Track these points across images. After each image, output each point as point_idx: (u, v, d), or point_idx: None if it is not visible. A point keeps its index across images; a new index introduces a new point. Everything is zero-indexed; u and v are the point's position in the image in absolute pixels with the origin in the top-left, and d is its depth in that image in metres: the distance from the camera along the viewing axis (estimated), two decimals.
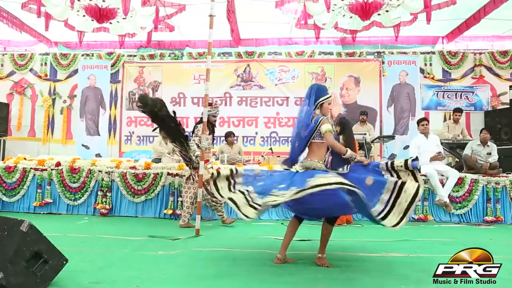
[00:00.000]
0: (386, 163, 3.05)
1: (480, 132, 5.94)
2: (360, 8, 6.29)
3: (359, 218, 5.05)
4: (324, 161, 2.99)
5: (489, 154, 5.70)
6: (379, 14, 6.58)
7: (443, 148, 6.11)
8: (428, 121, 5.69)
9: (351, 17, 6.75)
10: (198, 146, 4.52)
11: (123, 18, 6.90)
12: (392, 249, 3.42)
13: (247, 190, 2.91)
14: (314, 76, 8.60)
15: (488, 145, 5.76)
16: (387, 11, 6.55)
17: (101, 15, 6.62)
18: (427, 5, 6.18)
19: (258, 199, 2.79)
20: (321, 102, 3.04)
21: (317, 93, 3.05)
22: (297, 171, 2.91)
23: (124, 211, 5.45)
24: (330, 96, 3.11)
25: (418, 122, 5.74)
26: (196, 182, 4.55)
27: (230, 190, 2.98)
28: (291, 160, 3.07)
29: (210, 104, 4.72)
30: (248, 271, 2.71)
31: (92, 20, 6.83)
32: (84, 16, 6.81)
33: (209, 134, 4.65)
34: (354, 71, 8.54)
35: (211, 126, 4.76)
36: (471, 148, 5.79)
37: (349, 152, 2.95)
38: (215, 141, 8.18)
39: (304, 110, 3.05)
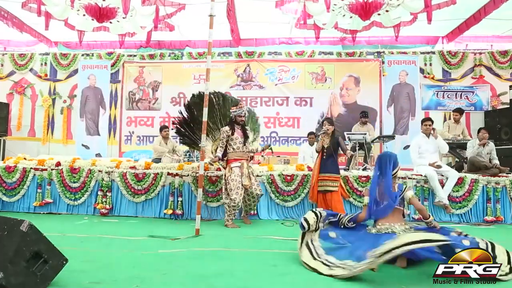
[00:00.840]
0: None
1: (478, 132, 5.86)
2: (360, 8, 6.28)
3: None
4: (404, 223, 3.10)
5: (489, 153, 5.70)
6: (379, 14, 6.58)
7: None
8: (432, 122, 5.56)
9: (351, 17, 6.75)
10: (224, 148, 4.76)
11: (123, 18, 6.91)
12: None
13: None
14: (314, 76, 8.61)
15: (487, 144, 5.75)
16: (387, 11, 6.55)
17: (101, 14, 6.63)
18: (427, 5, 6.18)
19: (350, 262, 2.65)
20: (396, 173, 3.18)
21: (395, 163, 3.17)
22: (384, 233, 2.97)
23: (124, 211, 5.45)
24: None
25: (422, 121, 5.62)
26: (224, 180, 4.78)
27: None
28: (364, 220, 3.19)
29: (235, 105, 4.92)
30: (248, 271, 2.71)
31: (92, 20, 6.84)
32: (84, 15, 6.82)
33: (233, 134, 4.74)
34: (354, 71, 8.55)
35: (241, 127, 4.84)
36: (472, 147, 5.77)
37: (431, 218, 3.11)
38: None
39: (382, 179, 3.15)
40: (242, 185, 4.63)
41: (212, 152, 5.08)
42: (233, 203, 4.54)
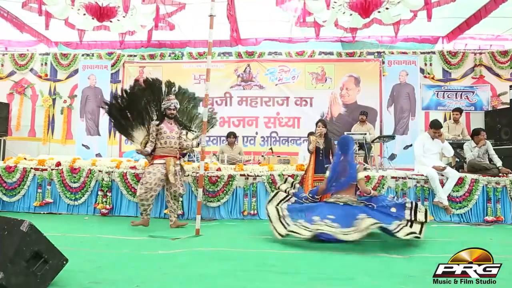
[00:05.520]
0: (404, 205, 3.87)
1: (474, 134, 5.80)
2: (360, 5, 6.26)
3: None
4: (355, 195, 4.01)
5: (486, 153, 5.69)
6: (379, 12, 6.57)
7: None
8: (441, 131, 5.51)
9: (351, 15, 6.74)
10: (154, 143, 4.57)
11: (123, 17, 6.90)
12: (392, 249, 3.42)
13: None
14: (314, 76, 8.60)
15: (483, 144, 5.73)
16: (387, 8, 6.53)
17: (102, 13, 6.61)
18: (427, 2, 6.16)
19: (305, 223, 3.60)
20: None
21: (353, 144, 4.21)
22: (344, 204, 3.83)
23: (124, 211, 5.46)
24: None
25: (432, 126, 5.49)
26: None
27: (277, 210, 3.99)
28: (323, 192, 4.10)
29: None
30: (248, 271, 2.71)
31: (93, 19, 6.83)
32: (84, 14, 6.81)
33: (161, 128, 4.52)
34: (354, 71, 8.54)
35: (174, 121, 4.63)
36: (470, 150, 5.75)
37: (372, 193, 4.05)
38: (215, 141, 8.27)
39: (345, 159, 4.05)
40: (160, 182, 4.43)
41: (140, 144, 4.76)
42: (139, 198, 4.38)
